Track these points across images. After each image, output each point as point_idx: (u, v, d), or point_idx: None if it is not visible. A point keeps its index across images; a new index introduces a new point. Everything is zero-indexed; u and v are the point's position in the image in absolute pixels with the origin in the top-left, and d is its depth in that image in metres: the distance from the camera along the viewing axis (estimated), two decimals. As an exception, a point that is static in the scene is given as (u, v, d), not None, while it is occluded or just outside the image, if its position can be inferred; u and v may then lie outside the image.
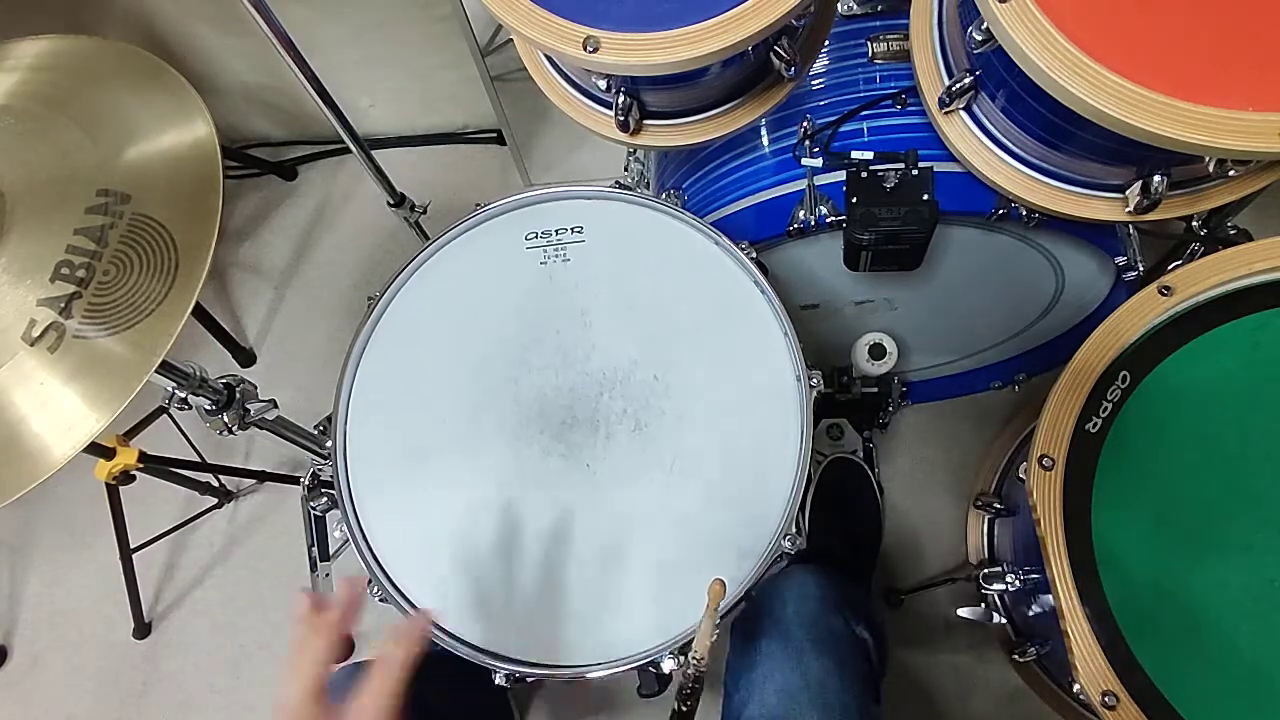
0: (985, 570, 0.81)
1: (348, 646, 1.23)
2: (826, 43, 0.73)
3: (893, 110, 0.76)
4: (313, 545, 1.00)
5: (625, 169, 1.08)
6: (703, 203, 0.84)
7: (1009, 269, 0.86)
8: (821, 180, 0.75)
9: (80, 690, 1.20)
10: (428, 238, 0.75)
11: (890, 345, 0.86)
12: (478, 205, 0.72)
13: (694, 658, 0.54)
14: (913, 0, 0.71)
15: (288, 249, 1.44)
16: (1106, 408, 0.62)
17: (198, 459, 1.17)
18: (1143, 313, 0.64)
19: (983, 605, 0.89)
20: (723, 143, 0.78)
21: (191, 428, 1.16)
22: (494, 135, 1.42)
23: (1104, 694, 0.56)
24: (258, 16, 0.72)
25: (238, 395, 0.82)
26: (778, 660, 0.69)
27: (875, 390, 0.98)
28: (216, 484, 1.23)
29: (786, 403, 0.64)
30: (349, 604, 0.51)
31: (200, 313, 1.27)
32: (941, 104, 0.67)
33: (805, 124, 0.76)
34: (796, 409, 0.64)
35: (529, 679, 0.61)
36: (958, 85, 0.64)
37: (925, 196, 0.71)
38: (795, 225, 0.75)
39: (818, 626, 0.71)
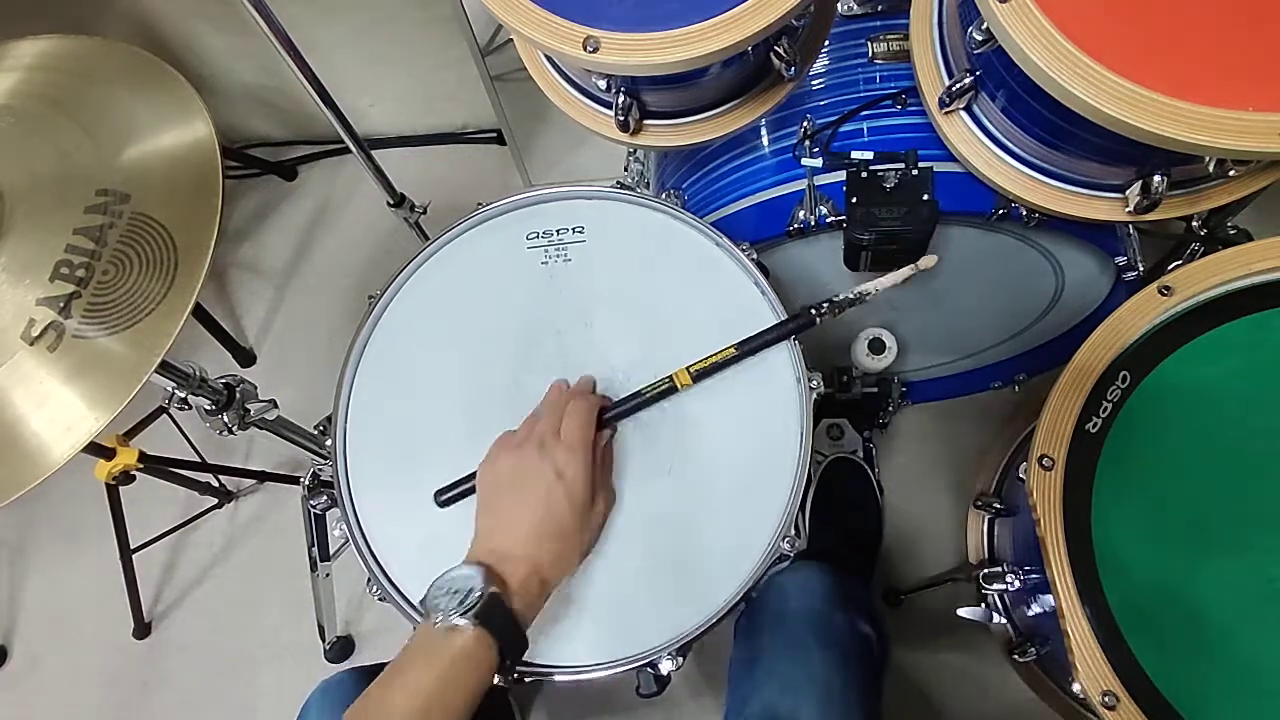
0: (985, 570, 0.81)
1: (347, 646, 1.24)
2: (826, 43, 0.73)
3: (893, 110, 0.76)
4: (313, 545, 1.00)
5: (625, 169, 1.08)
6: (703, 203, 0.84)
7: (1009, 269, 0.86)
8: (821, 180, 0.75)
9: (80, 690, 1.20)
10: (428, 238, 0.75)
11: (890, 340, 0.86)
12: (479, 204, 0.72)
13: (863, 293, 0.61)
14: (913, 0, 0.71)
15: (288, 249, 1.44)
16: (1106, 408, 0.62)
17: (198, 459, 1.17)
18: (1143, 313, 0.64)
19: (983, 605, 0.89)
20: (723, 143, 0.78)
21: (191, 428, 1.16)
22: (494, 135, 1.42)
23: (1104, 694, 0.56)
24: (258, 16, 0.72)
25: (238, 395, 0.82)
26: (781, 656, 0.69)
27: (875, 390, 0.98)
28: (216, 484, 1.23)
29: (786, 403, 0.64)
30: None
31: (200, 313, 1.27)
32: (941, 104, 0.67)
33: (805, 124, 0.76)
34: (796, 409, 0.64)
35: (529, 678, 0.61)
36: (958, 85, 0.64)
37: (925, 196, 0.71)
38: (795, 225, 0.75)
39: (821, 622, 0.71)
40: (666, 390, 0.63)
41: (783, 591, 0.73)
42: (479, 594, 0.49)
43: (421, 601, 0.51)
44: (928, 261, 0.62)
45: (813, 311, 0.63)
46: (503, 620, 0.49)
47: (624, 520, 0.63)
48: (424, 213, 1.06)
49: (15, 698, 1.21)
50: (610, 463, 0.62)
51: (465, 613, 0.48)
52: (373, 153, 0.95)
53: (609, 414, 0.63)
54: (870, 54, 0.78)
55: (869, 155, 0.74)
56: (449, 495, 0.63)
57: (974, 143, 0.68)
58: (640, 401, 0.63)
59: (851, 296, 0.62)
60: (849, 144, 0.75)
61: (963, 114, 0.68)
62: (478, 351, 0.69)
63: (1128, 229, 0.77)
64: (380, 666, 0.78)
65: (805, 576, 0.74)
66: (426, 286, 0.71)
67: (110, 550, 1.13)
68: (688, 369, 0.63)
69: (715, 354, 0.63)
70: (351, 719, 0.49)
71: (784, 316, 0.65)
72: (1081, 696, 0.57)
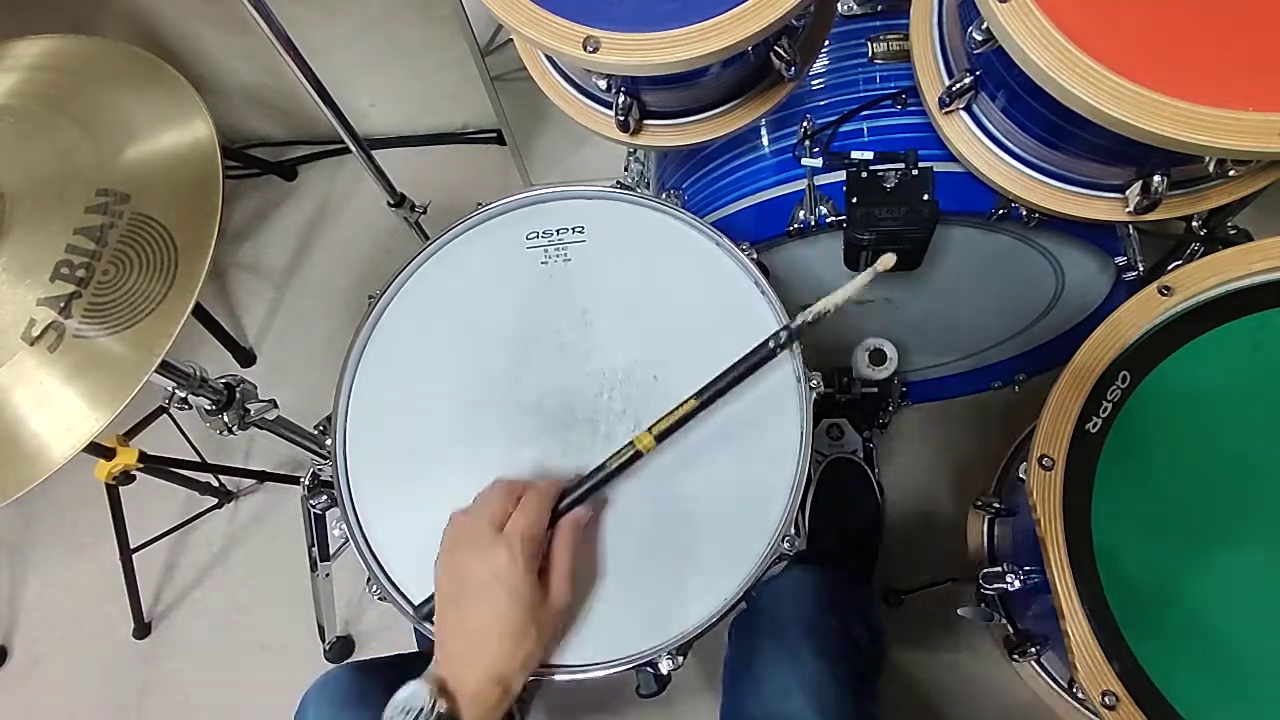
0: (985, 570, 0.81)
1: (347, 646, 1.24)
2: (826, 43, 0.73)
3: (893, 110, 0.76)
4: (313, 545, 1.00)
5: (625, 169, 1.08)
6: (703, 203, 0.84)
7: (1009, 269, 0.86)
8: (821, 180, 0.75)
9: (80, 690, 1.20)
10: (428, 238, 0.75)
11: (891, 350, 0.86)
12: (479, 204, 0.72)
13: (821, 311, 0.59)
14: (913, 0, 0.71)
15: (288, 249, 1.44)
16: (1106, 408, 0.62)
17: (198, 459, 1.17)
18: (1143, 313, 0.64)
19: (983, 605, 0.89)
20: (723, 143, 0.78)
21: (191, 428, 1.16)
22: (494, 135, 1.42)
23: (1104, 694, 0.56)
24: (258, 16, 0.72)
25: (238, 395, 0.82)
26: (775, 660, 0.69)
27: (875, 391, 0.98)
28: (216, 484, 1.23)
29: (786, 403, 0.64)
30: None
31: (200, 313, 1.27)
32: (941, 104, 0.67)
33: (805, 124, 0.76)
34: (796, 409, 0.63)
35: (528, 678, 0.61)
36: (958, 85, 0.64)
37: (925, 196, 0.71)
38: (795, 225, 0.75)
39: (815, 626, 0.71)
40: (630, 459, 0.59)
41: (776, 596, 0.73)
42: (428, 712, 0.49)
43: None
44: (885, 262, 0.61)
45: (770, 344, 0.61)
46: None
47: (624, 521, 0.63)
48: (424, 213, 1.06)
49: (15, 698, 1.22)
50: (576, 545, 0.58)
51: None
52: (373, 153, 0.95)
53: (573, 496, 0.59)
54: (870, 54, 0.78)
55: (869, 155, 0.74)
56: (427, 610, 0.60)
57: (974, 143, 0.68)
58: (605, 475, 0.59)
59: (810, 319, 0.60)
60: (849, 144, 0.75)
61: (963, 114, 0.68)
62: (478, 351, 0.69)
63: (1128, 229, 0.77)
64: (378, 660, 0.78)
65: (797, 580, 0.75)
66: (426, 286, 0.71)
67: (110, 550, 1.13)
68: (649, 430, 0.59)
69: (674, 409, 0.60)
70: None
71: (783, 317, 0.65)
72: (1081, 696, 0.57)
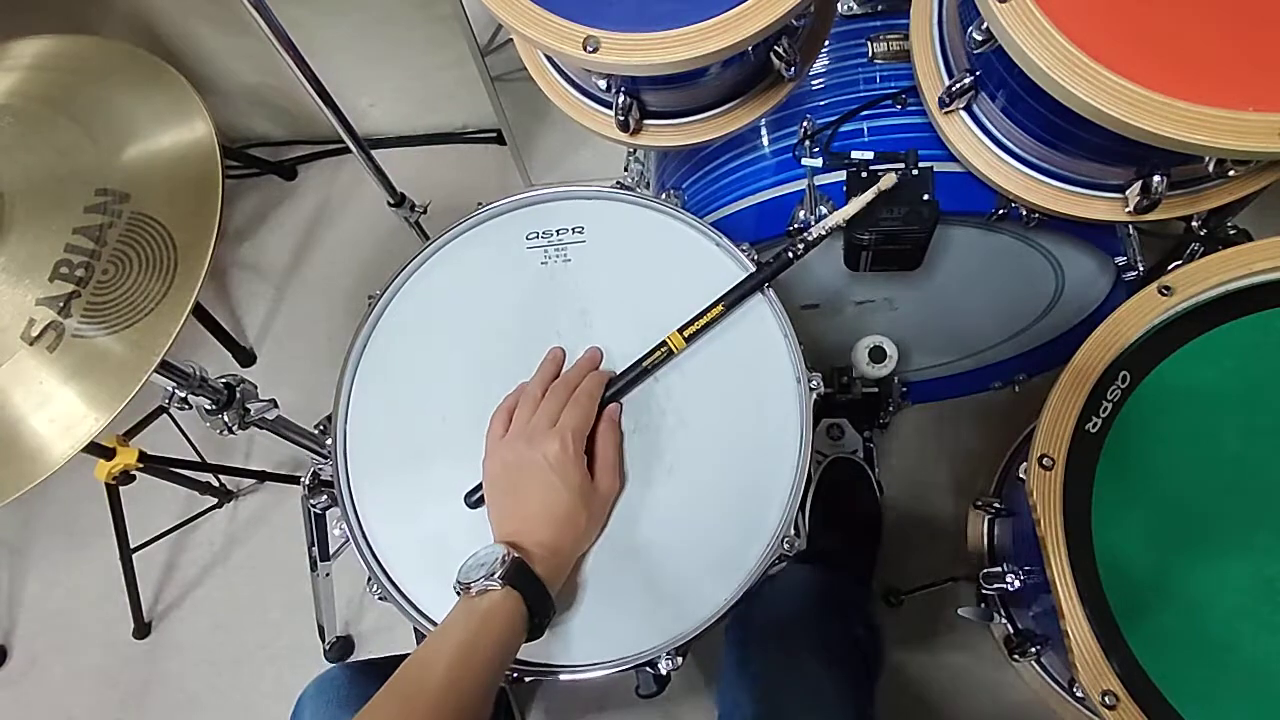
0: (985, 570, 0.81)
1: (347, 646, 1.24)
2: (826, 43, 0.73)
3: (893, 110, 0.76)
4: (313, 545, 1.00)
5: (625, 169, 1.08)
6: (703, 203, 0.84)
7: (1009, 269, 0.86)
8: (821, 180, 0.75)
9: (80, 690, 1.20)
10: (428, 237, 0.75)
11: (890, 348, 0.86)
12: (479, 204, 0.72)
13: (830, 226, 0.65)
14: (913, 0, 0.71)
15: (288, 249, 1.44)
16: (1106, 408, 0.62)
17: (198, 459, 1.17)
18: (1143, 313, 0.64)
19: (983, 605, 0.89)
20: (723, 143, 0.78)
21: (191, 428, 1.16)
22: (494, 135, 1.42)
23: (1104, 694, 0.56)
24: (258, 16, 0.72)
25: (238, 395, 0.82)
26: (774, 660, 0.69)
27: (875, 390, 0.98)
28: (216, 484, 1.23)
29: (786, 403, 0.64)
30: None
31: (200, 313, 1.27)
32: (941, 104, 0.67)
33: (805, 124, 0.76)
34: (796, 410, 0.63)
35: (528, 678, 0.61)
36: (958, 85, 0.64)
37: (925, 196, 0.71)
38: (795, 225, 0.75)
39: (815, 626, 0.71)
40: (663, 357, 0.64)
41: (775, 596, 0.73)
42: (503, 561, 0.54)
43: (456, 582, 0.54)
44: (888, 181, 0.68)
45: (790, 254, 0.65)
46: (527, 580, 0.54)
47: (625, 520, 0.63)
48: (424, 212, 1.06)
49: (15, 697, 1.22)
50: (617, 439, 0.63)
51: (492, 576, 0.53)
52: (373, 153, 0.95)
53: (612, 390, 0.64)
54: (870, 54, 0.78)
55: (869, 155, 0.74)
56: (477, 497, 0.64)
57: (974, 143, 0.68)
58: (639, 371, 0.64)
59: (825, 231, 0.65)
60: (849, 144, 0.75)
61: (963, 114, 0.68)
62: (478, 351, 0.69)
63: (1128, 229, 0.77)
64: (375, 661, 0.78)
65: (798, 580, 0.74)
66: (426, 286, 0.71)
67: (110, 550, 1.13)
68: (679, 331, 0.64)
69: (702, 312, 0.64)
70: (396, 680, 0.51)
71: (783, 317, 0.65)
72: (1081, 696, 0.57)
